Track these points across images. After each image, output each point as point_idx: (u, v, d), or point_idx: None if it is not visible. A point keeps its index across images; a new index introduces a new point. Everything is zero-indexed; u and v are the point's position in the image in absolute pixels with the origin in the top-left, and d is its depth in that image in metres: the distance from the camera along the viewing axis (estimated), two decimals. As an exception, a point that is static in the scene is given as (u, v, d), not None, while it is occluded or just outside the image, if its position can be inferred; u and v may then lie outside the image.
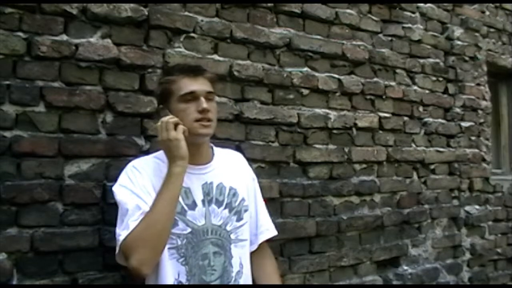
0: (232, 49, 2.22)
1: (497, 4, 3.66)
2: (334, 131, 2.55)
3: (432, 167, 3.05)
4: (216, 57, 2.16)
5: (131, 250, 1.45)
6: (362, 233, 2.63)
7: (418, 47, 3.02)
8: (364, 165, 2.68)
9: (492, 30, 3.58)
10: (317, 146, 2.48)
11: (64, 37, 1.78)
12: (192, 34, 2.10)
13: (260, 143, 2.27)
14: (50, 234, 1.70)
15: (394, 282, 2.74)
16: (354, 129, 2.64)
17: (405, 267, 2.83)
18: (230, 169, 1.74)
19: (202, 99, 1.59)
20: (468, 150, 3.28)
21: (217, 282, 1.58)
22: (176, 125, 1.54)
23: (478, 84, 3.40)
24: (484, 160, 3.40)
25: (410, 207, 2.89)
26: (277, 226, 2.25)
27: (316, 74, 2.50)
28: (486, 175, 3.41)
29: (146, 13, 1.97)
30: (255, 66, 2.27)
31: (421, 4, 3.07)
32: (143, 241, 1.44)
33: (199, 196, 1.62)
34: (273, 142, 2.32)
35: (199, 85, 1.61)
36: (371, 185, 2.70)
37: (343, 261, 2.52)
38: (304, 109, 2.44)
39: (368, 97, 2.72)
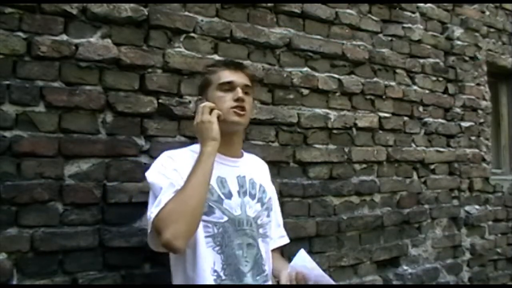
0: (232, 49, 2.22)
1: (497, 4, 3.66)
2: (334, 131, 2.55)
3: (432, 167, 3.05)
4: (216, 57, 2.15)
5: (165, 224, 1.43)
6: (362, 233, 2.63)
7: (418, 47, 3.02)
8: (364, 165, 2.68)
9: (492, 30, 3.58)
10: (317, 146, 2.48)
11: (64, 37, 1.78)
12: (192, 34, 2.10)
13: (260, 143, 2.27)
14: (50, 234, 1.70)
15: (394, 282, 2.74)
16: (354, 129, 2.64)
17: (405, 267, 2.83)
18: (258, 169, 1.81)
19: (239, 89, 1.64)
20: (468, 150, 3.28)
21: (250, 274, 1.58)
22: (211, 110, 1.61)
23: (478, 84, 3.40)
24: (484, 160, 3.40)
25: (410, 207, 2.89)
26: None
27: (316, 74, 2.50)
28: (486, 175, 3.41)
29: (146, 13, 1.97)
30: (255, 66, 2.27)
31: (421, 4, 3.07)
32: (178, 215, 1.43)
33: (235, 187, 1.64)
34: (273, 142, 2.32)
35: (237, 77, 1.67)
36: (371, 185, 2.70)
37: (343, 261, 2.52)
38: (304, 109, 2.44)
39: (368, 97, 2.72)
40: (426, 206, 2.99)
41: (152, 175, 1.57)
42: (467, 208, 3.25)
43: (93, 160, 1.81)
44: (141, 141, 1.93)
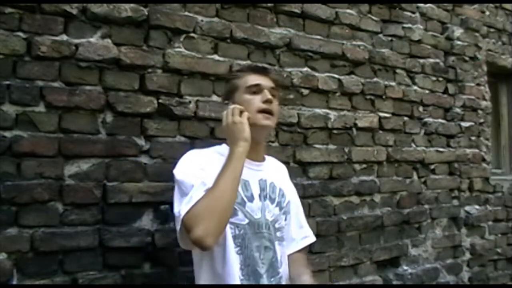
0: (232, 49, 2.21)
1: (497, 4, 3.66)
2: (334, 131, 2.55)
3: (432, 167, 3.05)
4: (216, 57, 2.15)
5: (196, 221, 1.43)
6: (362, 233, 2.63)
7: (418, 47, 3.02)
8: (364, 165, 2.68)
9: (492, 30, 3.58)
10: (317, 146, 2.48)
11: (64, 37, 1.78)
12: (192, 34, 2.10)
13: (260, 143, 2.27)
14: (50, 234, 1.70)
15: (394, 282, 2.74)
16: (354, 129, 2.64)
17: (405, 267, 2.83)
18: (278, 172, 1.82)
19: (267, 91, 1.67)
20: (468, 150, 3.28)
21: (265, 275, 1.60)
22: (241, 112, 1.63)
23: (478, 84, 3.40)
24: (484, 160, 3.40)
25: (410, 207, 2.89)
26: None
27: (316, 74, 2.50)
28: (486, 175, 3.41)
29: (146, 13, 1.96)
30: (255, 66, 2.27)
31: (421, 4, 3.07)
32: (209, 212, 1.44)
33: (256, 190, 1.66)
34: (273, 142, 2.32)
35: (264, 80, 1.71)
36: (371, 185, 2.70)
37: (343, 261, 2.52)
38: (304, 109, 2.44)
39: (368, 97, 2.72)
40: (426, 206, 2.99)
41: (181, 172, 1.57)
42: (467, 208, 3.25)
43: (93, 160, 1.81)
44: (141, 141, 1.93)
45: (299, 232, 1.82)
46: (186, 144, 2.00)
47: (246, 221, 1.60)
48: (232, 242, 1.56)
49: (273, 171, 1.79)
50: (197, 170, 1.57)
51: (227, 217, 1.50)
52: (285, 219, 1.73)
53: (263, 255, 1.61)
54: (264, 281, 1.59)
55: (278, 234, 1.68)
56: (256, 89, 1.68)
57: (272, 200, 1.69)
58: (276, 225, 1.68)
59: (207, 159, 1.63)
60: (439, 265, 3.02)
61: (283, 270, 1.68)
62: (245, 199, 1.62)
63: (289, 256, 1.74)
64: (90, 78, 1.82)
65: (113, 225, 1.83)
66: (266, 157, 1.81)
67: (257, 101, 1.66)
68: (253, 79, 1.70)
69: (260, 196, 1.66)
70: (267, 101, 1.66)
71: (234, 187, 1.52)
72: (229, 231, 1.55)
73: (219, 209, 1.46)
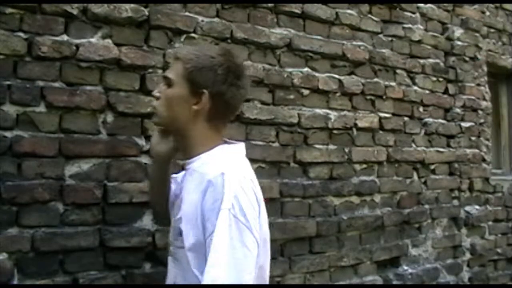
0: (233, 49, 2.21)
1: (497, 5, 3.66)
2: (335, 131, 2.55)
3: (432, 167, 3.05)
4: (216, 57, 2.15)
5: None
6: (362, 233, 2.63)
7: (418, 48, 3.02)
8: (364, 165, 2.68)
9: (492, 30, 3.58)
10: (317, 146, 2.48)
11: (64, 37, 1.78)
12: (193, 35, 2.10)
13: (261, 143, 2.27)
14: (50, 234, 1.70)
15: (394, 282, 2.74)
16: (354, 129, 2.64)
17: (405, 267, 2.83)
18: (194, 179, 1.37)
19: (161, 84, 1.45)
20: (468, 150, 3.28)
21: None
22: None
23: (478, 85, 3.40)
24: (484, 160, 3.40)
25: (410, 207, 2.89)
26: (277, 226, 2.26)
27: (317, 74, 2.50)
28: (486, 175, 3.41)
29: (147, 13, 1.97)
30: (256, 66, 2.27)
31: (421, 5, 3.07)
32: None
33: (179, 191, 1.49)
34: (273, 142, 2.32)
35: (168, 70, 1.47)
36: (371, 185, 2.70)
37: (343, 261, 2.53)
38: (305, 109, 2.44)
39: (368, 97, 2.72)
40: (426, 206, 2.99)
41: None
42: (467, 208, 3.25)
43: (94, 160, 1.81)
44: (141, 141, 1.93)
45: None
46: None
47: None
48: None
49: (191, 178, 1.39)
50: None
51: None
52: (176, 239, 1.37)
53: (169, 267, 1.44)
54: None
55: (171, 248, 1.43)
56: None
57: (178, 209, 1.41)
58: (171, 238, 1.45)
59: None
60: (439, 265, 3.02)
61: None
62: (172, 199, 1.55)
63: None
64: (91, 78, 1.82)
65: (113, 225, 1.83)
66: (203, 157, 1.38)
67: None
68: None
69: (177, 197, 1.48)
70: (154, 97, 1.45)
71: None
72: None
73: None
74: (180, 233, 1.33)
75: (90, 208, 1.79)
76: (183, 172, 1.51)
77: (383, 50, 2.82)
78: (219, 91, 1.36)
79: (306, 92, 2.46)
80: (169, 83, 1.39)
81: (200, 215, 1.27)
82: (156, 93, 1.43)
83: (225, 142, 1.44)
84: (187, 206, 1.34)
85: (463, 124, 3.26)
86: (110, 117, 1.86)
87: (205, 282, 1.19)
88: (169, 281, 1.43)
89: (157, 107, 1.42)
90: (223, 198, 1.23)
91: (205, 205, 1.26)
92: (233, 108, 1.45)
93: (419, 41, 3.02)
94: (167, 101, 1.39)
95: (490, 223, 3.41)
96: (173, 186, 1.59)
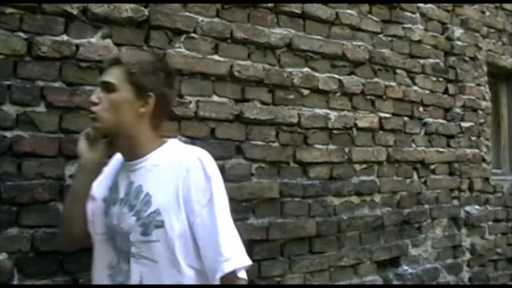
0: (233, 49, 2.22)
1: (497, 5, 3.66)
2: (334, 131, 2.55)
3: (432, 167, 3.05)
4: (216, 57, 2.16)
5: None
6: (362, 233, 2.63)
7: (418, 48, 3.02)
8: (364, 165, 2.68)
9: (492, 30, 3.58)
10: (317, 146, 2.48)
11: (64, 37, 1.78)
12: (193, 35, 2.10)
13: (261, 143, 2.27)
14: (50, 234, 1.70)
15: (394, 282, 2.74)
16: (354, 129, 2.64)
17: (405, 267, 2.83)
18: (163, 172, 1.41)
19: (97, 91, 1.44)
20: (468, 150, 3.28)
21: None
22: None
23: (478, 85, 3.40)
24: (484, 160, 3.40)
25: (410, 207, 2.89)
26: (277, 226, 2.26)
27: (317, 74, 2.50)
28: (486, 175, 3.42)
29: (147, 13, 1.97)
30: (256, 66, 2.27)
31: (421, 5, 3.07)
32: None
33: (121, 195, 1.46)
34: (273, 142, 2.32)
35: (104, 74, 1.46)
36: (371, 185, 2.70)
37: (343, 261, 2.53)
38: (305, 109, 2.44)
39: (368, 97, 2.72)
40: (426, 206, 2.99)
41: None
42: (467, 208, 3.25)
43: (94, 160, 1.81)
44: (141, 141, 1.93)
45: (213, 254, 1.36)
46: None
47: (103, 229, 1.48)
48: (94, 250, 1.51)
49: (152, 171, 1.42)
50: None
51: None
52: (144, 234, 1.38)
53: (112, 271, 1.44)
54: None
55: (133, 249, 1.39)
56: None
57: (131, 208, 1.41)
58: (131, 238, 1.39)
59: None
60: (439, 265, 3.02)
61: None
62: (111, 202, 1.47)
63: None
64: (91, 78, 1.82)
65: (113, 225, 1.82)
66: (162, 150, 1.46)
67: None
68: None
69: (122, 201, 1.44)
70: (91, 103, 1.42)
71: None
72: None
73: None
74: (157, 226, 1.37)
75: (90, 208, 1.79)
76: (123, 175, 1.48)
77: (383, 50, 2.82)
78: (162, 93, 1.45)
79: (306, 92, 2.46)
80: (111, 87, 1.41)
81: (182, 201, 1.37)
82: (95, 99, 1.41)
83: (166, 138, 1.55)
84: (163, 197, 1.39)
85: (463, 124, 3.26)
86: (110, 117, 1.86)
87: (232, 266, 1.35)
88: (133, 281, 1.40)
89: (99, 113, 1.41)
90: (210, 178, 1.39)
91: (190, 189, 1.37)
92: (170, 107, 1.59)
93: (419, 41, 3.02)
94: (112, 105, 1.41)
95: (490, 223, 3.41)
96: (96, 194, 1.52)
